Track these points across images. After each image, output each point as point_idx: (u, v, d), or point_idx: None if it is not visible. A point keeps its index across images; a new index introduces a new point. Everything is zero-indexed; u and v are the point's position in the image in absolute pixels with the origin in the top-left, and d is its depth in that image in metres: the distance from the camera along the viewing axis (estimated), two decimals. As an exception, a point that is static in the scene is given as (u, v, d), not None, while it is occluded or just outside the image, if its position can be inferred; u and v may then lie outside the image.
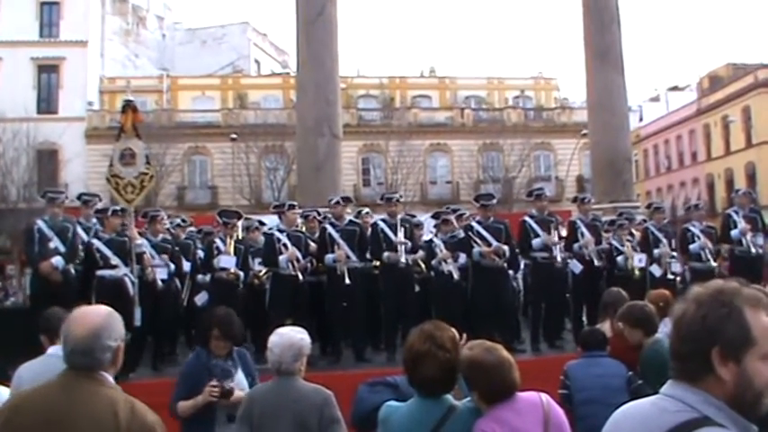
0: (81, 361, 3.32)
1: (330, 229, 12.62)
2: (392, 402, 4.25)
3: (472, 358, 4.10)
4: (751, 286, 2.38)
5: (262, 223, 14.81)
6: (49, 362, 5.62)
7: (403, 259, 12.56)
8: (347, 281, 12.09)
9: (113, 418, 3.16)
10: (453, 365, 4.05)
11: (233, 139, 46.64)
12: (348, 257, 12.36)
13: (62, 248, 11.39)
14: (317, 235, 13.21)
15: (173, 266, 12.76)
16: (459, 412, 4.06)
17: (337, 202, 13.10)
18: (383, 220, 12.99)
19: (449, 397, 4.12)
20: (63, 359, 3.41)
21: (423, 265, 13.35)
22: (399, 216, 13.12)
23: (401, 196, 14.05)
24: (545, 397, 4.14)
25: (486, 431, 3.90)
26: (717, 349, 2.21)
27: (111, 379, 3.39)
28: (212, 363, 6.16)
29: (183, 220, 15.72)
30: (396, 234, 12.64)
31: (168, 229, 13.99)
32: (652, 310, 6.93)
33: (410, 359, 4.09)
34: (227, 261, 12.37)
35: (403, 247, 12.60)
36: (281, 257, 12.16)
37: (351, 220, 13.07)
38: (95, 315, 3.44)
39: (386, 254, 12.56)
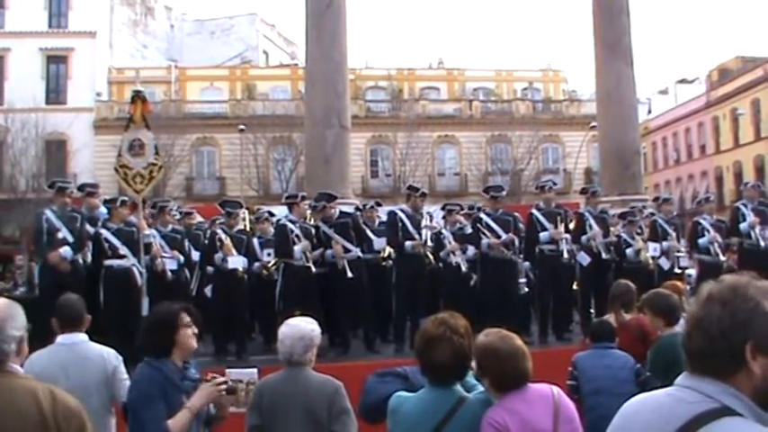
0: None
1: (322, 225, 12.63)
2: (402, 392, 4.26)
3: (487, 344, 4.11)
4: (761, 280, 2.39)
5: (271, 214, 14.81)
6: (59, 350, 5.69)
7: (430, 243, 12.72)
8: (349, 274, 12.08)
9: (36, 407, 3.07)
10: (466, 353, 4.07)
11: (241, 131, 46.65)
12: (347, 250, 12.36)
13: (70, 238, 11.37)
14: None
15: (182, 258, 12.81)
16: (470, 402, 4.07)
17: (324, 207, 12.94)
18: (402, 210, 12.99)
19: (459, 387, 4.13)
20: None
21: (431, 257, 13.33)
22: (429, 208, 13.24)
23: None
24: (556, 389, 4.15)
25: (497, 420, 3.91)
26: (751, 344, 2.22)
27: (20, 369, 3.30)
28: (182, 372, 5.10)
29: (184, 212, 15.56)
30: (416, 227, 12.66)
31: (178, 220, 14.06)
32: (677, 301, 6.94)
33: (423, 344, 4.10)
34: (236, 261, 12.40)
35: (427, 234, 12.69)
36: (295, 248, 12.12)
37: (341, 212, 13.05)
38: None
39: (409, 243, 12.55)
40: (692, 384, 2.31)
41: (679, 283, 8.99)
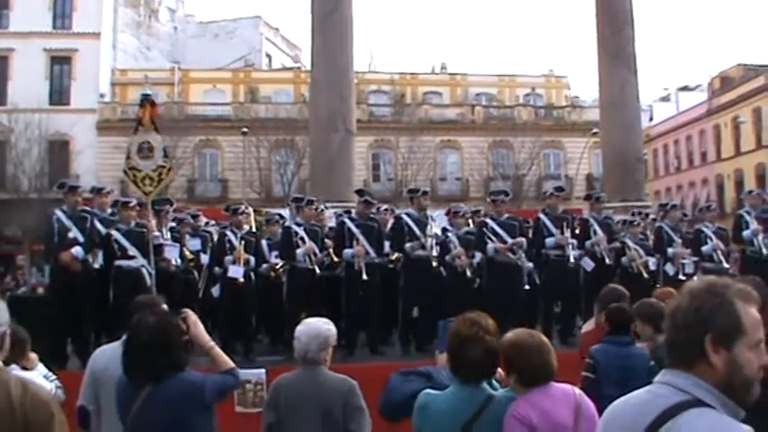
0: None
1: (349, 223, 12.66)
2: (430, 390, 4.35)
3: (515, 340, 4.24)
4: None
5: (281, 217, 14.91)
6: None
7: (434, 253, 12.74)
8: (364, 276, 12.15)
9: (6, 397, 3.13)
10: (496, 351, 4.19)
11: (244, 133, 46.53)
12: (367, 253, 12.44)
13: (81, 238, 11.47)
14: (326, 229, 13.36)
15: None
16: (499, 400, 4.17)
17: (365, 201, 13.13)
18: (408, 215, 13.10)
19: (487, 386, 4.24)
20: None
21: (434, 262, 13.37)
22: (431, 212, 13.32)
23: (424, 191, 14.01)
24: (578, 390, 4.26)
25: (520, 413, 4.01)
26: (710, 337, 2.35)
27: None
28: None
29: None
30: (422, 230, 12.76)
31: (183, 220, 14.14)
32: (663, 307, 6.92)
33: (456, 344, 4.21)
34: (236, 271, 12.52)
35: (432, 241, 12.76)
36: (298, 251, 12.26)
37: (370, 216, 13.16)
38: None
39: (408, 245, 12.65)
40: (667, 380, 2.45)
41: (672, 290, 9.01)
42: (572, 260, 13.21)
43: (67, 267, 11.32)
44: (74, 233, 11.47)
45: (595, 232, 13.82)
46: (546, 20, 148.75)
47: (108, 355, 5.65)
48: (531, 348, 4.19)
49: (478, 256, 13.12)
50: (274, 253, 13.28)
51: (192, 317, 5.20)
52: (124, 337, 5.14)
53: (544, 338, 4.33)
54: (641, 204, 19.23)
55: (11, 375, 3.36)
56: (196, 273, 13.51)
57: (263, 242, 13.56)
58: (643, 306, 7.04)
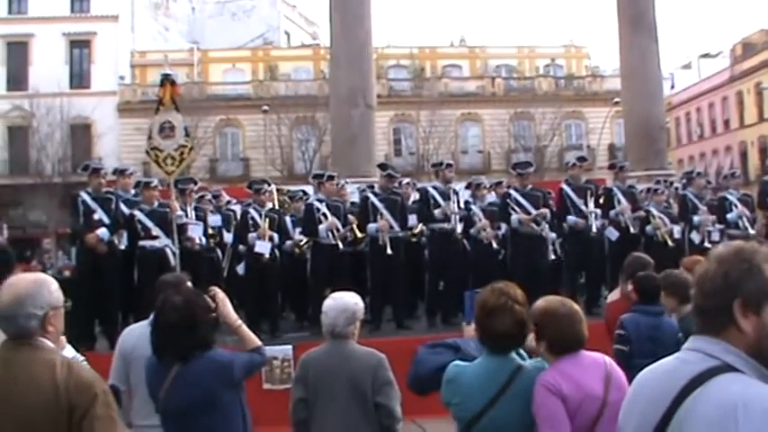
0: (5, 327, 3.41)
1: (373, 198, 12.66)
2: (459, 362, 4.31)
3: (546, 307, 4.21)
4: None
5: (305, 193, 14.94)
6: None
7: (459, 228, 12.75)
8: (389, 251, 12.16)
9: (51, 378, 3.25)
10: (525, 321, 4.15)
11: (264, 111, 46.63)
12: (391, 227, 12.42)
13: (106, 220, 11.51)
14: (348, 204, 13.38)
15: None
16: (528, 370, 4.14)
17: (388, 175, 13.09)
18: (434, 188, 13.08)
19: (516, 356, 4.22)
20: None
21: (459, 236, 13.37)
22: (453, 185, 13.30)
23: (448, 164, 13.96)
24: (608, 359, 4.24)
25: (550, 382, 3.99)
26: (738, 302, 2.31)
27: (50, 344, 3.45)
28: None
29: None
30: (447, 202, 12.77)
31: (210, 200, 14.19)
32: (688, 278, 6.85)
33: (484, 314, 4.17)
34: (262, 246, 12.54)
35: (457, 216, 12.76)
36: (320, 227, 12.26)
37: (393, 190, 13.13)
38: (21, 283, 3.49)
39: (438, 210, 12.67)
40: (696, 346, 2.42)
41: (700, 258, 8.96)
42: (594, 230, 13.17)
43: (93, 249, 11.37)
44: (99, 215, 11.50)
45: (619, 201, 13.76)
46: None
47: (136, 334, 5.68)
48: (563, 316, 4.17)
49: (503, 227, 13.10)
50: (298, 229, 13.33)
51: (221, 294, 5.19)
52: (151, 316, 5.14)
53: (576, 306, 4.31)
54: (664, 173, 19.13)
55: (58, 356, 3.42)
56: (219, 251, 13.57)
57: (287, 219, 13.62)
58: (668, 277, 6.97)
